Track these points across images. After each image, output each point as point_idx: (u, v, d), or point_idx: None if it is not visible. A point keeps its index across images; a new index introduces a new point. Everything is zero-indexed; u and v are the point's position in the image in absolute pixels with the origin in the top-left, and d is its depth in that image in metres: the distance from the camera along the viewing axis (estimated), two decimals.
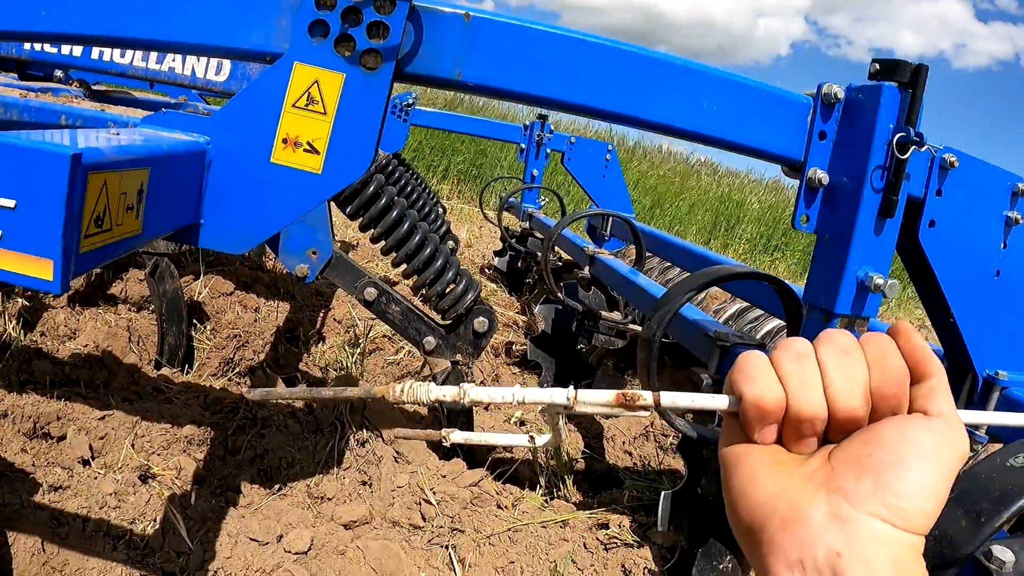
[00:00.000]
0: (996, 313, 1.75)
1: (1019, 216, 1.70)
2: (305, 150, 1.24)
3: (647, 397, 0.73)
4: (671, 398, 0.74)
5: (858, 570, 0.58)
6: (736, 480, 0.70)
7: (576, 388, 0.75)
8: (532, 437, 0.97)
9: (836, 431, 0.68)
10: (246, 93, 1.25)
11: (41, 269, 0.87)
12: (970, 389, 1.81)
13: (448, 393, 0.77)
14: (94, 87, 3.96)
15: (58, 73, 3.49)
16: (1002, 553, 1.19)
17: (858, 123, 1.50)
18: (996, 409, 1.78)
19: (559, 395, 0.75)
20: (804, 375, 0.67)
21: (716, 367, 1.94)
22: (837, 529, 0.60)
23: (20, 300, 3.32)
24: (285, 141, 1.23)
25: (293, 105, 1.23)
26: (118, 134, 1.14)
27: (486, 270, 6.50)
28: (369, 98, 1.24)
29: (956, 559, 1.14)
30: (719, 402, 0.73)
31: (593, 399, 0.75)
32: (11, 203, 0.87)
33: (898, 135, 1.45)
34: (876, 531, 0.60)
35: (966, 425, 0.74)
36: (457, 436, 1.03)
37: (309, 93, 1.22)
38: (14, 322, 3.14)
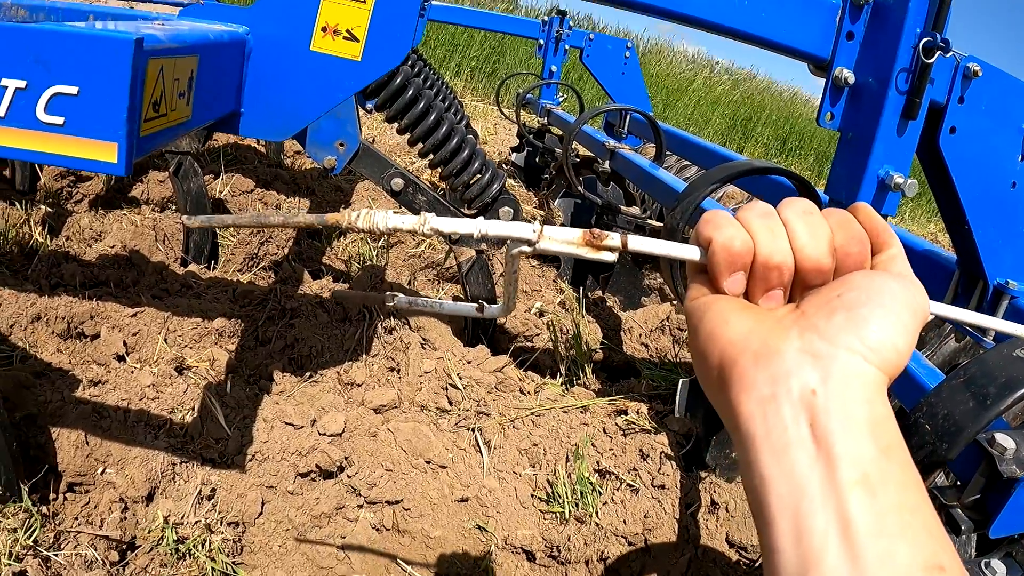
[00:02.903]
0: (1010, 223, 1.77)
1: None
2: (345, 38, 1.26)
3: (614, 238, 0.72)
4: (638, 242, 0.73)
5: (834, 408, 0.57)
6: (706, 324, 0.68)
7: (543, 224, 0.73)
8: (482, 305, 0.96)
9: (801, 287, 0.69)
10: None
11: (105, 152, 0.92)
12: (980, 296, 1.84)
13: (407, 222, 0.74)
14: None
15: None
16: (1004, 441, 1.24)
17: (886, 25, 1.51)
18: (1004, 317, 1.82)
19: (525, 229, 0.73)
20: (770, 226, 0.68)
21: None
22: (811, 366, 0.59)
23: (43, 207, 3.36)
24: (324, 29, 1.26)
25: None
26: (163, 24, 1.17)
27: (503, 166, 6.49)
28: None
29: (961, 438, 1.20)
30: (688, 252, 0.72)
31: (559, 236, 0.73)
32: (74, 90, 0.90)
33: (924, 39, 1.47)
34: (851, 367, 0.59)
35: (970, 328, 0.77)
36: (401, 300, 1.03)
37: None
38: (40, 228, 3.19)
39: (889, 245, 0.69)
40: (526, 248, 0.74)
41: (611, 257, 0.74)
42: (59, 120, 0.92)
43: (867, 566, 0.51)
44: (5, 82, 0.91)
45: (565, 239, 0.73)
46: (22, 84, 0.91)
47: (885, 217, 1.65)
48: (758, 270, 0.68)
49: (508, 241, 0.75)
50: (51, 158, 0.93)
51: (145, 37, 0.88)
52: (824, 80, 1.64)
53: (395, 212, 0.74)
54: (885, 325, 0.60)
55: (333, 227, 0.75)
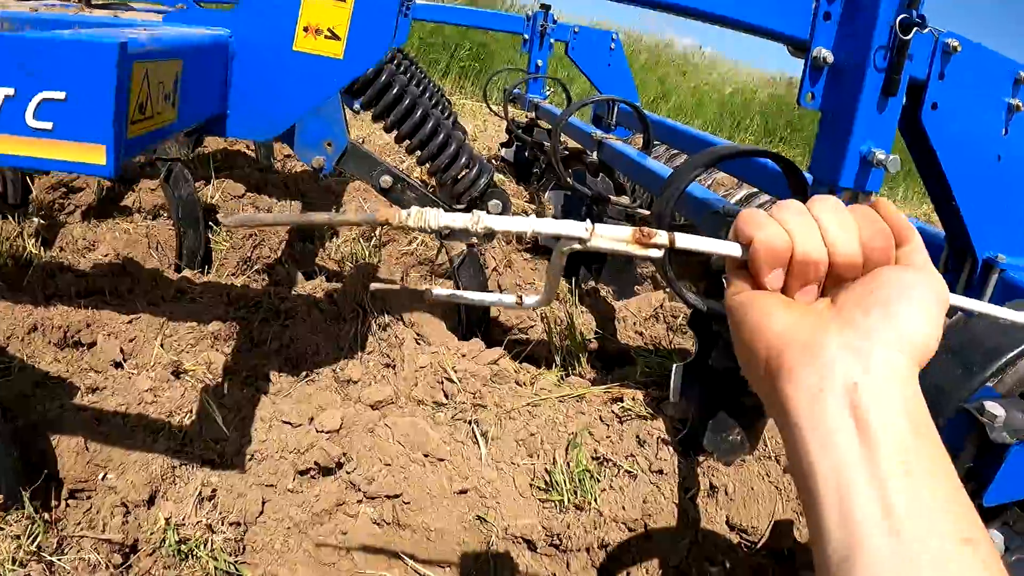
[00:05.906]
0: (996, 197, 1.79)
1: (1020, 103, 1.72)
2: (326, 36, 1.28)
3: (662, 236, 0.73)
4: (685, 240, 0.74)
5: (874, 398, 0.63)
6: (750, 319, 0.73)
7: (594, 223, 0.74)
8: (520, 297, 0.93)
9: (834, 281, 0.73)
10: None
11: (94, 155, 0.93)
12: (970, 271, 1.86)
13: (459, 220, 0.73)
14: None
15: None
16: (994, 408, 1.27)
17: (862, 4, 1.53)
18: (994, 290, 1.84)
19: (576, 227, 0.73)
20: (805, 224, 0.72)
21: None
22: (853, 360, 0.65)
23: (36, 219, 3.37)
24: (307, 29, 1.28)
25: None
26: (146, 30, 1.18)
27: (493, 161, 6.51)
28: None
29: (949, 405, 1.22)
30: (730, 248, 0.75)
31: (610, 233, 0.74)
32: (61, 95, 0.92)
33: (900, 16, 1.48)
34: (887, 360, 0.64)
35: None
36: (440, 292, 1.01)
37: None
38: (33, 240, 3.19)
39: (909, 239, 0.73)
40: (577, 246, 0.75)
41: (658, 254, 0.76)
42: (48, 125, 0.94)
43: (908, 545, 0.56)
44: None
45: (615, 237, 0.74)
46: (11, 92, 0.93)
47: (869, 194, 1.66)
48: (796, 266, 0.72)
49: (560, 239, 0.75)
50: (41, 163, 0.95)
51: (129, 41, 0.90)
52: (803, 61, 1.66)
53: (446, 210, 0.74)
54: (916, 318, 0.66)
55: (383, 224, 0.73)
